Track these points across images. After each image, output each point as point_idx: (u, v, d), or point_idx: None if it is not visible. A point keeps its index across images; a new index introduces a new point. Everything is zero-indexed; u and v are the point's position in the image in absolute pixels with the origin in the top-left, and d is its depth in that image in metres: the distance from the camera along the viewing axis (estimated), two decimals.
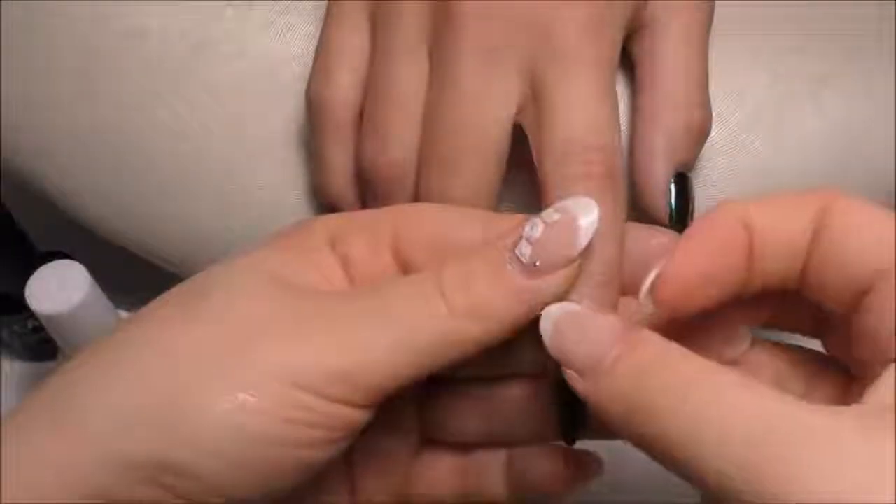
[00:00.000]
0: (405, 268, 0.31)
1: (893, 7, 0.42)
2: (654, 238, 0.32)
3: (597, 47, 0.32)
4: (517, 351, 0.31)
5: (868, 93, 0.40)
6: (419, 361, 0.28)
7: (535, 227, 0.29)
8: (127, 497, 0.27)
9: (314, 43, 0.40)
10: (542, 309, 0.29)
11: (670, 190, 0.35)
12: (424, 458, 0.34)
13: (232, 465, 0.27)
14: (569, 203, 0.29)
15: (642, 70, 0.35)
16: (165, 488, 0.27)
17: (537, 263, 0.28)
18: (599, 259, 0.30)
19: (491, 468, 0.34)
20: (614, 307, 0.30)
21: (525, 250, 0.28)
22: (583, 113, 0.31)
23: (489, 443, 0.34)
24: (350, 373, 0.28)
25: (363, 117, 0.35)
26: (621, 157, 0.32)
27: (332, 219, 0.32)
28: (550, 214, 0.29)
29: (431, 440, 0.34)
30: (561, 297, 0.29)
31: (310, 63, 0.40)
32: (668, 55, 0.35)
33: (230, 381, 0.27)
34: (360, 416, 0.28)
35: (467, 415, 0.33)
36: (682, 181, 0.35)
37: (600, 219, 0.29)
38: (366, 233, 0.31)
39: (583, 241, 0.29)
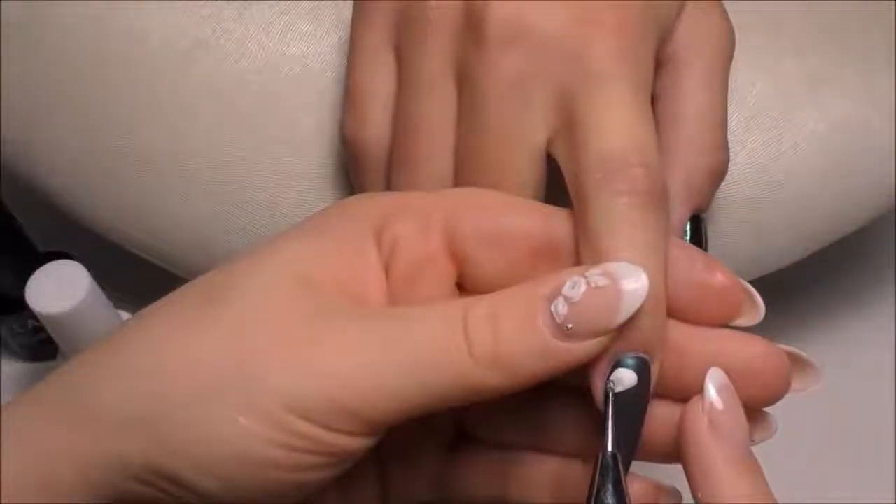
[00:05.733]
0: (454, 256, 0.30)
1: (893, 7, 0.42)
2: (711, 274, 0.30)
3: (632, 70, 0.31)
4: None
5: (868, 93, 0.40)
6: (427, 401, 0.27)
7: (577, 287, 0.27)
8: (130, 493, 0.28)
9: (313, 43, 0.40)
10: (566, 369, 0.27)
11: (686, 232, 0.34)
12: (460, 455, 0.33)
13: (224, 482, 0.27)
14: (616, 267, 0.27)
15: (663, 107, 0.35)
16: (162, 491, 0.27)
17: (570, 326, 0.27)
18: (640, 326, 0.28)
19: (535, 477, 0.33)
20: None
21: (561, 309, 0.27)
22: (623, 132, 0.30)
23: (529, 446, 0.33)
24: (352, 406, 0.27)
25: (392, 151, 0.34)
26: (665, 178, 0.30)
27: (382, 198, 0.31)
28: (595, 278, 0.27)
29: (468, 437, 0.33)
30: (589, 360, 0.28)
31: (308, 63, 0.40)
32: (690, 96, 0.34)
33: (229, 402, 0.27)
34: (361, 444, 0.28)
35: (504, 417, 0.32)
36: (697, 223, 0.35)
37: (649, 284, 0.27)
38: (417, 214, 0.30)
39: (625, 313, 0.27)
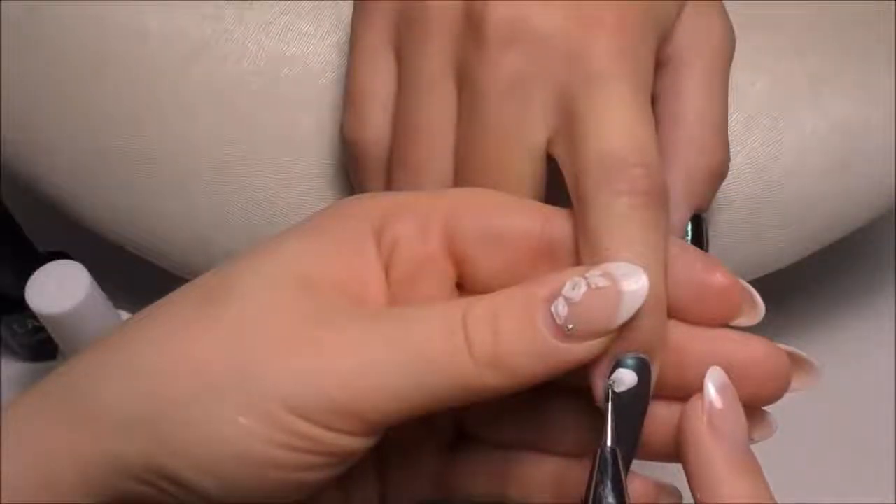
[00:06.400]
0: (453, 256, 0.30)
1: (893, 7, 0.42)
2: (711, 275, 0.30)
3: (632, 70, 0.31)
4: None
5: (868, 93, 0.40)
6: (426, 401, 0.27)
7: (578, 288, 0.27)
8: (130, 493, 0.28)
9: (313, 43, 0.40)
10: (566, 370, 0.27)
11: (687, 232, 0.34)
12: (460, 455, 0.33)
13: (224, 482, 0.27)
14: (616, 268, 0.27)
15: (663, 107, 0.34)
16: (162, 491, 0.27)
17: (570, 327, 0.27)
18: (640, 327, 0.28)
19: (535, 477, 0.33)
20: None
21: (561, 310, 0.27)
22: (623, 132, 0.29)
23: (529, 446, 0.33)
24: (352, 406, 0.27)
25: (392, 152, 0.34)
26: (665, 178, 0.30)
27: (382, 198, 0.31)
28: (595, 278, 0.27)
29: (468, 437, 0.33)
30: (589, 361, 0.28)
31: (308, 63, 0.40)
32: (690, 96, 0.34)
33: (229, 402, 0.27)
34: (362, 444, 0.28)
35: (503, 416, 0.32)
36: (697, 223, 0.34)
37: (649, 284, 0.27)
38: (417, 214, 0.30)
39: (625, 314, 0.27)
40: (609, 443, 0.28)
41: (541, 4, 0.32)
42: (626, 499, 0.28)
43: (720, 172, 0.35)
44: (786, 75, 0.40)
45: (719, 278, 0.30)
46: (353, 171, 0.37)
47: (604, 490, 0.28)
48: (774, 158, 0.40)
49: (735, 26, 0.36)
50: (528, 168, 0.32)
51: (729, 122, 0.36)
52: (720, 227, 0.40)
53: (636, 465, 0.30)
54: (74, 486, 0.27)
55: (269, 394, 0.27)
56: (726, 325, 0.30)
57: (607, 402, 0.28)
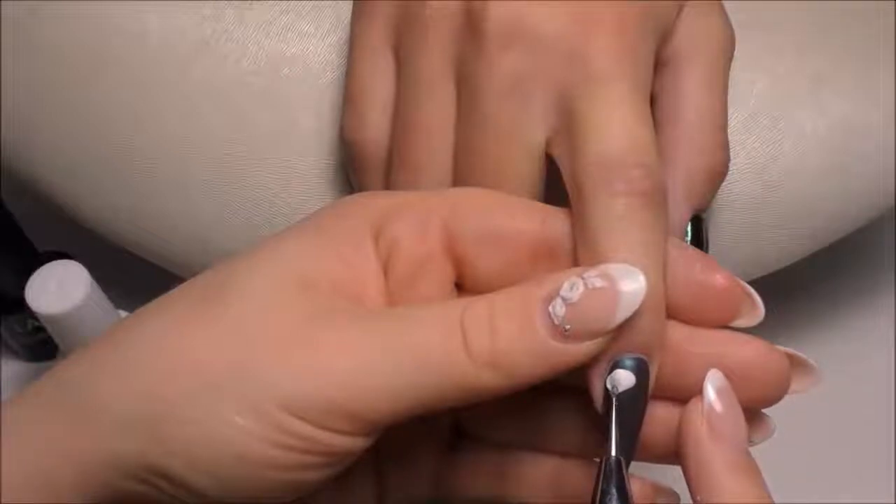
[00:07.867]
0: (452, 256, 0.30)
1: (893, 6, 0.42)
2: (711, 275, 0.30)
3: (632, 70, 0.31)
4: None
5: (868, 92, 0.40)
6: (424, 401, 0.27)
7: (575, 288, 0.27)
8: (128, 492, 0.28)
9: (313, 42, 0.40)
10: (564, 370, 0.27)
11: (686, 232, 0.34)
12: (458, 454, 0.33)
13: (222, 482, 0.27)
14: (614, 269, 0.27)
15: (663, 107, 0.34)
16: (160, 490, 0.27)
17: (568, 328, 0.27)
18: (639, 328, 0.28)
19: (534, 477, 0.33)
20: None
21: (559, 311, 0.27)
22: (622, 132, 0.29)
23: (527, 446, 0.33)
24: (350, 406, 0.27)
25: (391, 151, 0.34)
26: (664, 179, 0.30)
27: (380, 198, 0.31)
28: (593, 279, 0.27)
29: (467, 436, 0.34)
30: (587, 361, 0.28)
31: (308, 63, 0.40)
32: (689, 96, 0.34)
33: (227, 401, 0.27)
34: (359, 444, 0.28)
35: (502, 416, 0.32)
36: (697, 224, 0.34)
37: (648, 285, 0.27)
38: (416, 214, 0.30)
39: (623, 315, 0.27)
40: (613, 452, 0.28)
41: (540, 4, 0.32)
42: None
43: (720, 173, 0.35)
44: (786, 75, 0.40)
45: (719, 279, 0.30)
46: (352, 171, 0.37)
47: (609, 499, 0.28)
48: (774, 158, 0.40)
49: (735, 26, 0.36)
50: (527, 168, 0.32)
51: (729, 122, 0.36)
52: (720, 227, 0.40)
53: (635, 466, 0.30)
54: (73, 485, 0.27)
55: (267, 393, 0.27)
56: (726, 327, 0.30)
57: (606, 405, 0.28)
